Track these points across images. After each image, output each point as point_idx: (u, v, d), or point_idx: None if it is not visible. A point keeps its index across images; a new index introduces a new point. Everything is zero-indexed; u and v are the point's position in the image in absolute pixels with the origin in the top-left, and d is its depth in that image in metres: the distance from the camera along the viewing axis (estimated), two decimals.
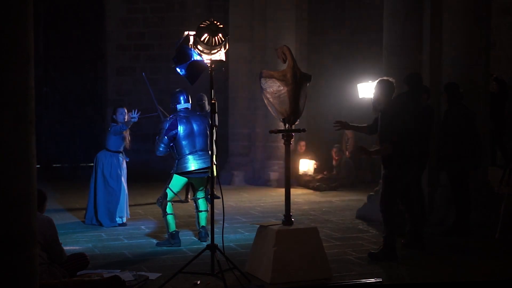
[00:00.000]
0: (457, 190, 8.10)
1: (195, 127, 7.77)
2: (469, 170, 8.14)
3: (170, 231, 7.63)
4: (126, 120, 8.92)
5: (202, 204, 7.87)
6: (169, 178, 7.76)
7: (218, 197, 6.14)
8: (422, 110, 7.94)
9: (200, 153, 7.71)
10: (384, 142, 6.85)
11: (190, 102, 8.01)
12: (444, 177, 8.57)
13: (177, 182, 7.76)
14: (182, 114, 7.80)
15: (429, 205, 8.60)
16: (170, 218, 7.65)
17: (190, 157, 7.68)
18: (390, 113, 6.84)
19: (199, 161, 7.69)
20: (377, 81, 7.05)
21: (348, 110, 12.90)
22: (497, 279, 6.12)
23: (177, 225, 7.79)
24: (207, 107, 10.43)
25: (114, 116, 9.08)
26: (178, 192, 7.85)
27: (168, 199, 7.66)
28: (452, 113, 8.15)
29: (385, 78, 7.09)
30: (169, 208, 7.66)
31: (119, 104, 9.68)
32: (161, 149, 7.74)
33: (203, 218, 7.82)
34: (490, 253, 7.23)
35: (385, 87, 6.93)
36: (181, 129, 7.69)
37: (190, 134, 7.73)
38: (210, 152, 6.67)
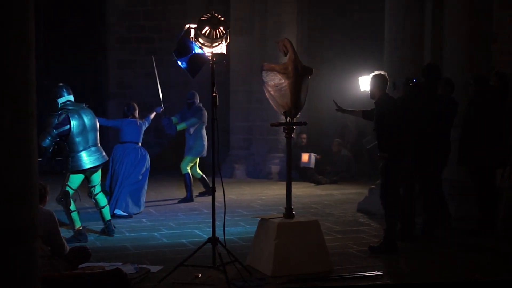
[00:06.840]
0: (479, 189, 7.69)
1: (86, 122, 7.58)
2: (495, 168, 7.73)
3: (76, 227, 7.54)
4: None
5: (101, 199, 7.89)
6: (65, 177, 7.59)
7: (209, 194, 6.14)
8: (438, 102, 7.83)
9: (92, 149, 7.61)
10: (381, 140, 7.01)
11: (72, 94, 7.70)
12: (445, 172, 8.54)
13: (74, 179, 7.63)
14: (71, 108, 7.54)
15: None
16: (74, 215, 7.56)
17: (83, 153, 7.54)
18: (382, 106, 6.95)
19: (92, 158, 7.59)
20: (371, 75, 7.13)
21: (349, 103, 12.83)
22: (497, 279, 6.09)
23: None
24: (197, 103, 10.41)
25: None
26: (77, 187, 7.72)
27: (70, 197, 7.56)
28: (475, 105, 7.67)
29: (377, 72, 7.14)
30: (72, 205, 7.56)
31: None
32: (47, 141, 7.44)
33: (107, 213, 7.90)
34: (490, 247, 7.21)
35: (378, 80, 7.03)
36: (74, 125, 7.48)
37: (83, 130, 7.55)
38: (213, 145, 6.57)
